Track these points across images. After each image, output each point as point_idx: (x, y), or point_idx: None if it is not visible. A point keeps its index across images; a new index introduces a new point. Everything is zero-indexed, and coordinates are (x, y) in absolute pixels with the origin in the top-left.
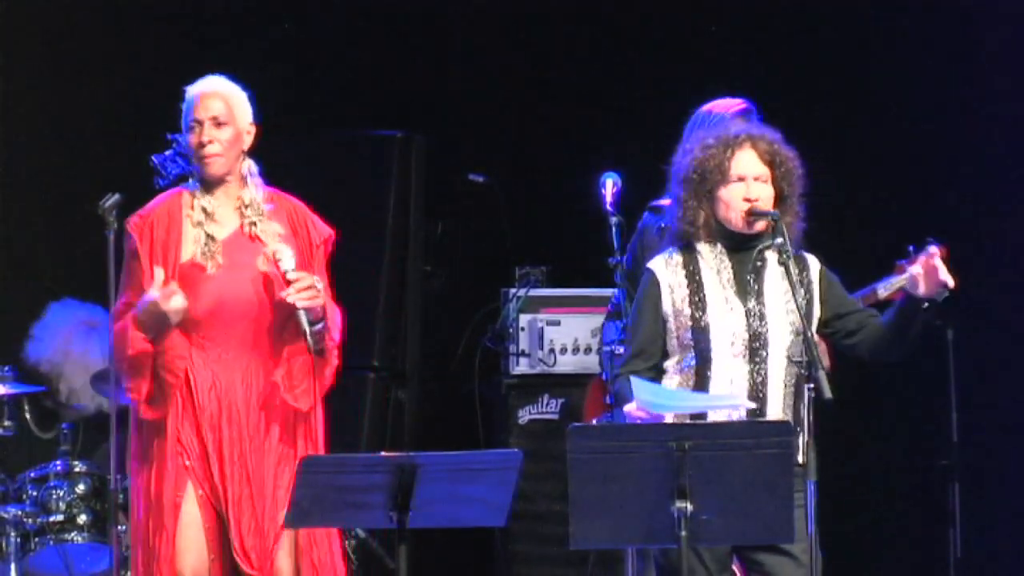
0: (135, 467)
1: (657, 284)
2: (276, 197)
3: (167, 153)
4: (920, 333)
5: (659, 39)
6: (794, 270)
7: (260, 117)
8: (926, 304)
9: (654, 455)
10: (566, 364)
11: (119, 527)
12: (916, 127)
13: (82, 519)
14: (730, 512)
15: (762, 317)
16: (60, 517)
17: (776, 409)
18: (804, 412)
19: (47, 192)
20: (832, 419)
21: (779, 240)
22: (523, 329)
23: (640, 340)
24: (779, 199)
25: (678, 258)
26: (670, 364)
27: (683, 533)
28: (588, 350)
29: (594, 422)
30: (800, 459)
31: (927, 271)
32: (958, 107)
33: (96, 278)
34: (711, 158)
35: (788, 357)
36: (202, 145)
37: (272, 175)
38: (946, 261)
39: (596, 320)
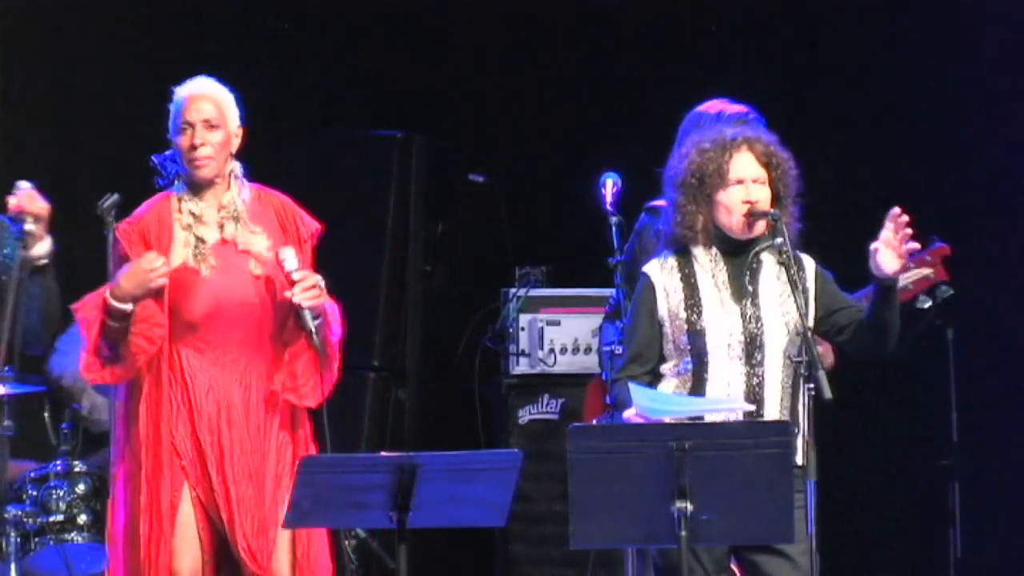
0: (121, 469)
1: (652, 288)
2: (263, 194)
3: (167, 153)
4: (898, 324)
5: (659, 39)
6: (795, 271)
7: (260, 117)
8: (928, 304)
9: (654, 455)
10: (566, 364)
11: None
12: (916, 127)
13: (82, 519)
14: (730, 512)
15: (758, 319)
16: (60, 517)
17: (773, 411)
18: (802, 413)
19: (47, 192)
20: (832, 419)
21: (779, 240)
22: (523, 329)
23: (637, 344)
24: (775, 200)
25: (673, 262)
26: (667, 368)
27: (683, 533)
28: (588, 350)
29: (594, 422)
30: (799, 460)
31: (885, 244)
32: (958, 107)
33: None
34: (709, 161)
35: (788, 357)
36: (194, 148)
37: (272, 175)
38: (951, 261)
39: (596, 320)
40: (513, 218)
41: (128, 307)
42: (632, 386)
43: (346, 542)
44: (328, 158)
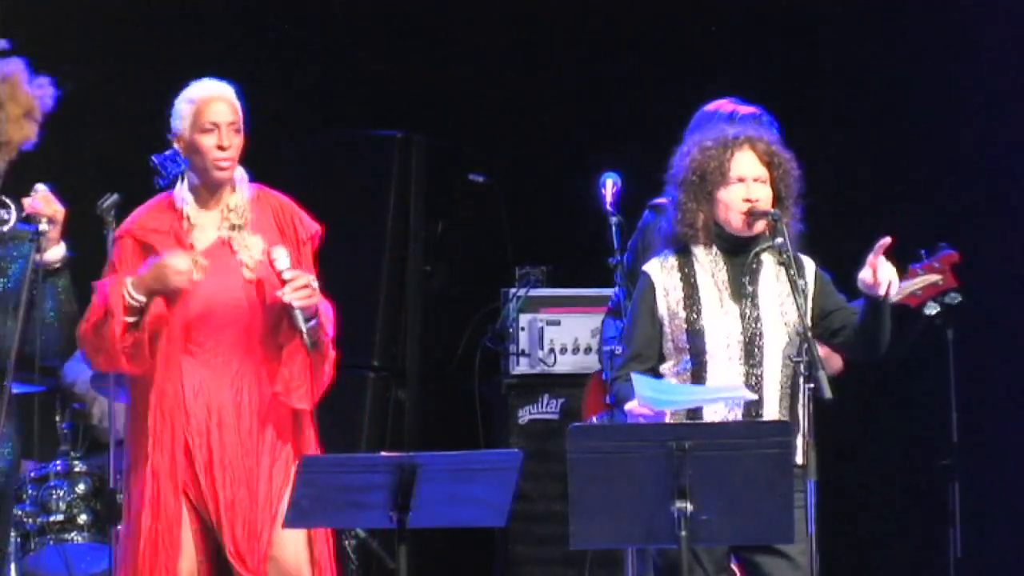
0: (132, 471)
1: (652, 287)
2: (262, 194)
3: (167, 153)
4: (887, 334)
5: (659, 39)
6: (795, 271)
7: (260, 117)
8: (935, 311)
9: (654, 455)
10: (566, 364)
11: (119, 527)
12: (916, 127)
13: (82, 519)
14: (730, 512)
15: (757, 320)
16: (60, 517)
17: (773, 411)
18: (802, 413)
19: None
20: (832, 419)
21: (779, 240)
22: (523, 329)
23: (636, 343)
24: (776, 200)
25: (673, 261)
26: (666, 367)
27: (683, 533)
28: (588, 350)
29: (593, 420)
30: (799, 460)
31: (872, 269)
32: (958, 107)
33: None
34: (710, 159)
35: (787, 358)
36: (222, 148)
37: (272, 175)
38: (959, 266)
39: (596, 320)
40: (513, 218)
41: (142, 300)
42: (634, 376)
43: (346, 542)
44: (328, 158)
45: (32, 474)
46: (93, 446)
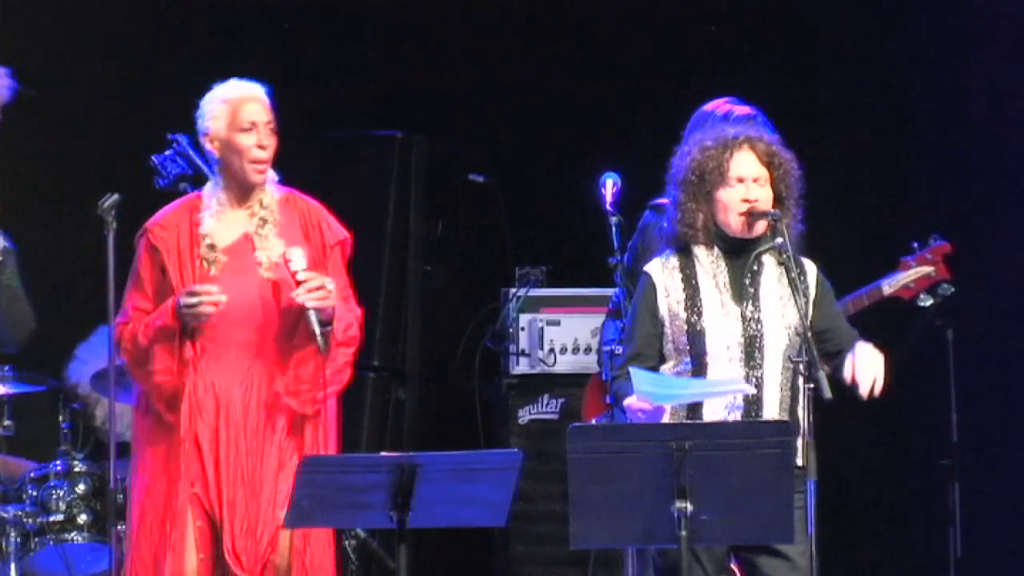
0: (137, 467)
1: (653, 287)
2: (290, 198)
3: (167, 153)
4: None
5: (659, 39)
6: (795, 271)
7: None
8: (929, 302)
9: (654, 455)
10: (566, 364)
11: (119, 527)
12: (917, 126)
13: (82, 519)
14: (730, 512)
15: (758, 321)
16: (60, 517)
17: (773, 412)
18: (802, 414)
19: (47, 192)
20: (832, 419)
21: (779, 240)
22: (523, 329)
23: (637, 343)
24: (777, 201)
25: (674, 261)
26: (667, 368)
27: (683, 533)
28: (588, 350)
29: (592, 421)
30: (799, 462)
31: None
32: (958, 107)
33: (96, 278)
34: (710, 159)
35: (788, 359)
36: (262, 148)
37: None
38: (950, 259)
39: (596, 320)
40: (513, 218)
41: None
42: (633, 370)
43: (346, 542)
44: (328, 158)
45: (32, 474)
46: (96, 447)
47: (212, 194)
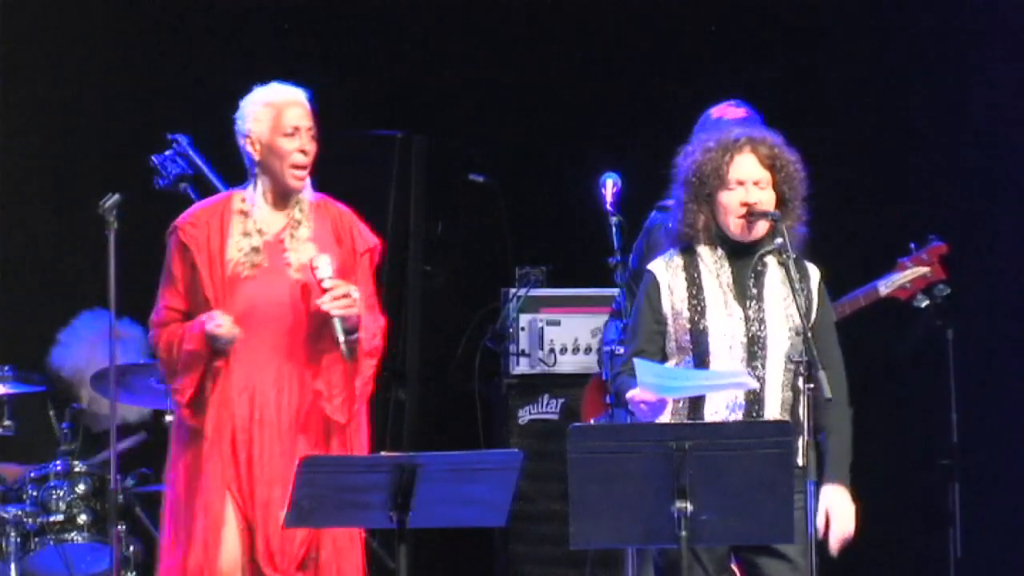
0: (173, 468)
1: (657, 286)
2: (323, 203)
3: (167, 153)
4: None
5: (659, 40)
6: (794, 271)
7: None
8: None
9: (654, 455)
10: (566, 364)
11: (119, 527)
12: (916, 127)
13: (82, 519)
14: (730, 512)
15: (761, 322)
16: (60, 517)
17: (774, 412)
18: (803, 413)
19: (47, 192)
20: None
21: (779, 240)
22: (523, 329)
23: (639, 341)
24: (780, 203)
25: (678, 260)
26: (669, 366)
27: (683, 533)
28: (588, 350)
29: (592, 421)
30: (800, 462)
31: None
32: (958, 108)
33: (95, 278)
34: (710, 161)
35: (789, 359)
36: (304, 153)
37: None
38: (947, 258)
39: (596, 320)
40: (513, 218)
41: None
42: (637, 362)
43: None
44: (328, 158)
45: (32, 474)
46: (85, 435)
47: (249, 195)
